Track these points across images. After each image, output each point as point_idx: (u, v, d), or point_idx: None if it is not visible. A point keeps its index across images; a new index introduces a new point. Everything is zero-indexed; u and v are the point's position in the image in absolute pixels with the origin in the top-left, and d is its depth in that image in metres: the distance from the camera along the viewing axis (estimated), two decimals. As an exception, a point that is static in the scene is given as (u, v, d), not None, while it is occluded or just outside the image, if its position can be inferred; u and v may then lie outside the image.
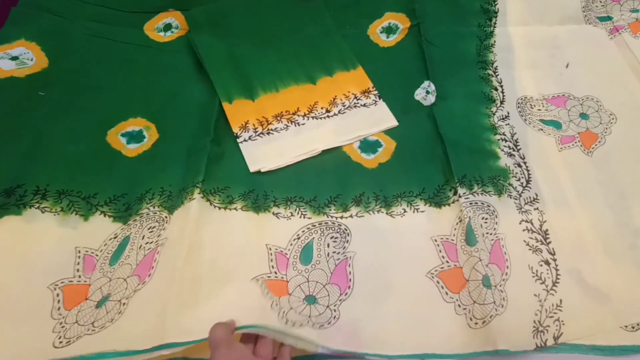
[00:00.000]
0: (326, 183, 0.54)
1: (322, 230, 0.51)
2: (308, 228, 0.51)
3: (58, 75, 0.60)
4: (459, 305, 0.45)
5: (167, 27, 0.67)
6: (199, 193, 0.50)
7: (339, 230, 0.51)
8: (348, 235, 0.50)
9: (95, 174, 0.53)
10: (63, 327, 0.42)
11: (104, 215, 0.50)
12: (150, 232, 0.48)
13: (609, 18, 0.69)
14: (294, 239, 0.50)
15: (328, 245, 0.49)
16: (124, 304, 0.43)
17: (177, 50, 0.65)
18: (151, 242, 0.47)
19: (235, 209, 0.51)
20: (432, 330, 0.44)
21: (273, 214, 0.52)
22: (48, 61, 0.60)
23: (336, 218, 0.52)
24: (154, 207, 0.51)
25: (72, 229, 0.49)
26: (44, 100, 0.57)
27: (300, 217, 0.52)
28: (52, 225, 0.48)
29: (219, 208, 0.50)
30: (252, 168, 0.54)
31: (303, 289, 0.46)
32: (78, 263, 0.47)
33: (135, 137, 0.57)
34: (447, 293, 0.46)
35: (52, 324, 0.43)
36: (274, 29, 0.67)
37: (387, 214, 0.52)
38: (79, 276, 0.46)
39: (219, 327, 0.36)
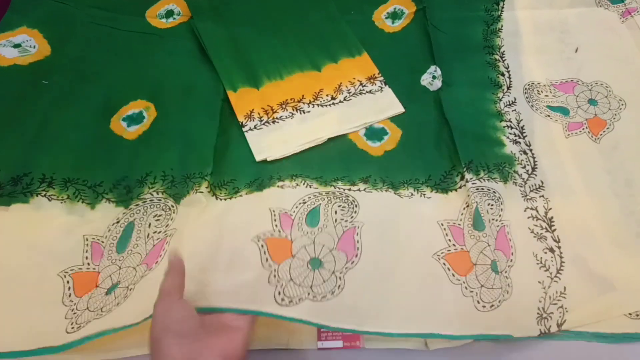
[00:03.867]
0: (332, 167, 0.54)
1: (329, 198, 0.49)
2: (315, 195, 0.49)
3: (61, 62, 0.60)
4: (466, 288, 0.45)
5: (169, 14, 0.67)
6: (207, 187, 0.50)
7: (346, 200, 0.49)
8: (356, 206, 0.49)
9: (98, 161, 0.53)
10: (75, 313, 0.43)
11: (109, 202, 0.51)
12: (157, 220, 0.49)
13: (621, 0, 0.67)
14: (300, 203, 0.48)
15: (335, 212, 0.48)
16: (130, 289, 0.43)
17: (178, 37, 0.64)
18: (160, 232, 0.48)
19: (240, 195, 0.51)
20: (437, 310, 0.44)
21: (278, 187, 0.50)
22: (50, 49, 0.60)
23: (344, 190, 0.51)
24: (157, 194, 0.51)
25: (79, 217, 0.49)
26: (48, 88, 0.57)
27: (307, 187, 0.51)
28: (60, 213, 0.49)
29: (224, 199, 0.50)
30: (258, 157, 0.54)
31: (308, 251, 0.45)
32: (86, 251, 0.47)
33: (135, 119, 0.57)
34: (453, 275, 0.46)
35: (64, 311, 0.43)
36: (277, 15, 0.66)
37: (394, 193, 0.51)
38: (88, 264, 0.47)
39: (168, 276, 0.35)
